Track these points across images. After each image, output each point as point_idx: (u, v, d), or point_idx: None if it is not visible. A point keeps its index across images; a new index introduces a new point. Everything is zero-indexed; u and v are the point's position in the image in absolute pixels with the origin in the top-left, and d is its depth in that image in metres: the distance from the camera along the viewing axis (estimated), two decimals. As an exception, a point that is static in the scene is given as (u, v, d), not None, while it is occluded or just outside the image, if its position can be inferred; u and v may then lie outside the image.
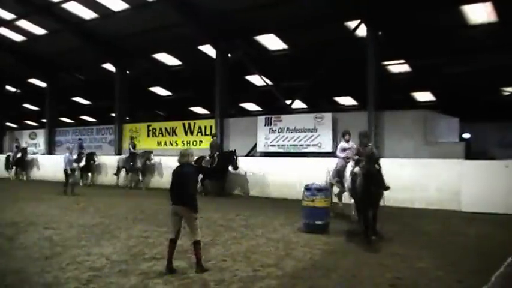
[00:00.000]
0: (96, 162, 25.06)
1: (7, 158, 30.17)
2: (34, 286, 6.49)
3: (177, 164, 7.58)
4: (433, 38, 19.68)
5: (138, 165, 22.69)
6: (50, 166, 27.51)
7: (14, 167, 29.45)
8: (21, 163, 29.11)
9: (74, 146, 23.69)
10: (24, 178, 28.98)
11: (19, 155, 29.19)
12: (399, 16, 18.95)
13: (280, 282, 6.79)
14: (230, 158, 19.31)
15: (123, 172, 23.83)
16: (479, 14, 17.69)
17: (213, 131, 22.74)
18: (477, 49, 20.06)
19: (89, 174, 25.16)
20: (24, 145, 31.34)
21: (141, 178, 22.73)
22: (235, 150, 19.76)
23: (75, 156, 22.27)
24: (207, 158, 19.81)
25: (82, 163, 24.12)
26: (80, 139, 27.59)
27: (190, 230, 7.39)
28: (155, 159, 22.99)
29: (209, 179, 19.84)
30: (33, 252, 8.34)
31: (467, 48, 20.19)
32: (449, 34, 19.53)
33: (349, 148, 12.98)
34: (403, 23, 19.41)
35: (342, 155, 13.17)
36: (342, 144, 13.49)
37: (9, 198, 17.36)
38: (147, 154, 22.75)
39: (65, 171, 19.57)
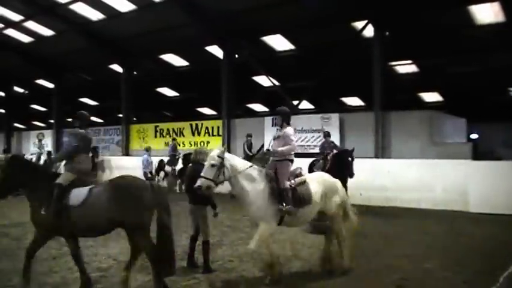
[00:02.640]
0: None
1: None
2: (42, 286, 6.54)
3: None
4: (440, 38, 19.61)
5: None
6: (128, 169, 24.37)
7: None
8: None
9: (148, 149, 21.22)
10: None
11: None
12: (406, 16, 18.89)
13: (287, 283, 6.80)
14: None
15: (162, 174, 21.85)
16: (487, 14, 17.61)
17: (220, 132, 22.75)
18: (484, 49, 19.98)
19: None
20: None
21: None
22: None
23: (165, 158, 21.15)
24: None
25: (178, 166, 20.56)
26: (174, 139, 23.29)
27: (202, 229, 7.64)
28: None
29: None
30: (41, 253, 8.35)
31: (475, 49, 20.10)
32: (456, 34, 19.46)
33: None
34: (410, 23, 19.34)
35: None
36: None
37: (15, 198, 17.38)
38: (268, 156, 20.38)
39: (145, 174, 18.61)
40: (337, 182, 7.79)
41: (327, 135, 16.52)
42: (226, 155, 6.90)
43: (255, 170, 7.06)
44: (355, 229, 7.91)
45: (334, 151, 14.95)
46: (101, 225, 6.09)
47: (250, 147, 19.13)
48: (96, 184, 6.40)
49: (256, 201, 6.80)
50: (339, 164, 13.66)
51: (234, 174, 6.84)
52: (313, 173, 8.13)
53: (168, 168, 20.68)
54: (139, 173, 18.21)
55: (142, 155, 21.18)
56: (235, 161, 7.04)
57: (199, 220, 7.65)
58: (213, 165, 6.71)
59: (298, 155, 19.64)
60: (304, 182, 7.18)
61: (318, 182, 7.37)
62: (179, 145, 23.59)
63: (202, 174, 6.71)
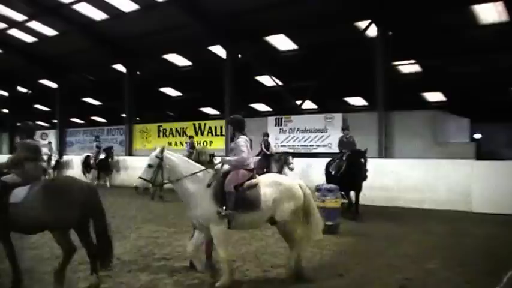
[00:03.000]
0: None
1: (85, 159, 25.09)
2: (45, 286, 6.54)
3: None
4: (443, 38, 19.58)
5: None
6: (130, 169, 24.22)
7: (96, 171, 24.28)
8: (105, 166, 24.13)
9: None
10: (108, 184, 23.76)
11: (102, 155, 24.21)
12: (409, 16, 18.87)
13: (290, 283, 6.80)
14: None
15: None
16: (490, 14, 17.57)
17: (223, 132, 22.78)
18: (488, 49, 19.92)
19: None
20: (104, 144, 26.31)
21: None
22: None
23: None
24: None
25: None
26: (191, 137, 21.51)
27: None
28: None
29: None
30: (44, 252, 8.39)
31: (478, 48, 20.06)
32: (459, 34, 19.43)
33: None
34: (413, 23, 19.33)
35: None
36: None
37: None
38: (285, 156, 18.06)
39: None
40: (294, 187, 6.96)
41: (345, 128, 15.18)
42: (167, 155, 6.72)
43: (201, 172, 6.78)
44: (315, 239, 7.34)
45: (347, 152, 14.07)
46: (31, 223, 6.21)
47: (267, 146, 18.50)
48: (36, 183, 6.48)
49: (202, 203, 6.57)
50: (352, 165, 13.16)
51: (176, 176, 6.66)
52: (268, 175, 7.62)
53: None
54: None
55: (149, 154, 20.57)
56: (177, 161, 6.79)
57: None
58: (150, 166, 6.61)
59: (301, 155, 19.71)
60: (254, 186, 6.78)
61: (270, 186, 6.82)
62: (182, 145, 23.63)
63: (140, 175, 6.64)
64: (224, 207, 6.47)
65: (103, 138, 28.92)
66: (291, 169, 17.29)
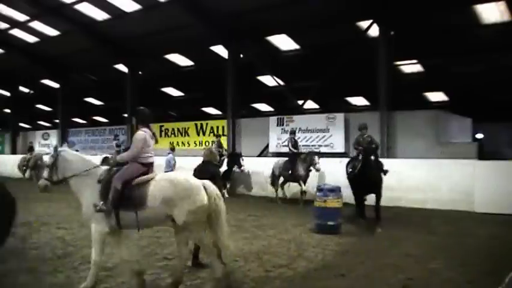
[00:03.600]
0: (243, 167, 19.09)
1: (104, 160, 24.75)
2: (47, 286, 6.54)
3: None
4: (445, 38, 19.57)
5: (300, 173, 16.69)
6: None
7: None
8: None
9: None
10: None
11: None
12: (412, 16, 18.85)
13: (292, 283, 6.80)
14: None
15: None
16: (492, 13, 17.55)
17: (225, 131, 22.79)
18: (490, 49, 19.92)
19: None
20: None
21: (304, 187, 16.49)
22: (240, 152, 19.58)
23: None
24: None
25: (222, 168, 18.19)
26: (218, 136, 20.90)
27: None
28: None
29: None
30: (46, 252, 8.40)
31: (480, 48, 20.05)
32: (462, 34, 19.42)
33: None
34: (415, 22, 19.31)
35: None
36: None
37: (21, 199, 17.43)
38: (310, 156, 16.82)
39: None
40: (194, 187, 6.30)
41: (362, 127, 13.34)
42: (62, 153, 6.63)
43: (95, 169, 6.59)
44: (223, 248, 6.64)
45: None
46: None
47: (295, 145, 17.61)
48: None
49: (87, 200, 6.35)
50: (365, 165, 11.93)
51: (70, 173, 6.51)
52: (167, 174, 7.35)
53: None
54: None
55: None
56: (71, 159, 6.62)
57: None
58: (47, 165, 6.56)
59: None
60: (145, 183, 6.33)
61: (164, 184, 6.26)
62: (184, 145, 23.64)
63: (42, 174, 6.62)
64: (102, 202, 6.20)
65: (105, 138, 29.02)
66: (317, 170, 16.32)
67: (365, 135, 13.19)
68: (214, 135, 22.79)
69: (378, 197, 11.97)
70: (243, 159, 18.60)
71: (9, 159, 31.52)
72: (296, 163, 16.76)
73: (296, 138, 18.12)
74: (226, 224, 6.67)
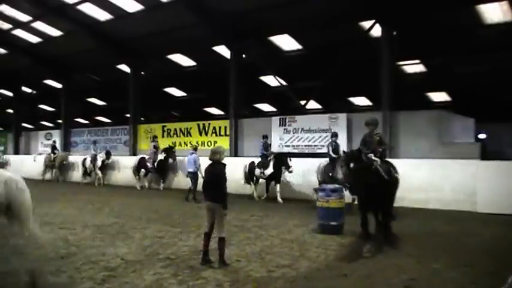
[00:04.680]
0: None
1: (140, 161, 23.85)
2: (49, 286, 6.55)
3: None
4: (448, 38, 19.56)
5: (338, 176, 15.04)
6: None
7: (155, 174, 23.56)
8: (164, 168, 23.13)
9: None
10: (161, 187, 22.93)
11: (161, 156, 23.29)
12: (414, 16, 18.84)
13: (295, 283, 6.79)
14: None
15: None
16: (495, 13, 17.55)
17: (228, 132, 22.80)
18: (493, 48, 19.90)
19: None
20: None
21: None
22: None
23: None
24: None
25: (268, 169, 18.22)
26: (265, 136, 19.63)
27: (218, 226, 7.73)
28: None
29: None
30: (49, 252, 8.40)
31: (483, 48, 20.03)
32: (464, 33, 19.41)
33: None
34: (418, 22, 19.29)
35: None
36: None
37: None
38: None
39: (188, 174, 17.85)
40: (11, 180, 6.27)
41: (370, 123, 10.96)
42: None
43: None
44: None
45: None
46: None
47: (336, 149, 16.20)
48: None
49: None
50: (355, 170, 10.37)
51: None
52: None
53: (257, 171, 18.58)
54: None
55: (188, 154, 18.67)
56: None
57: (216, 217, 7.72)
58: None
59: (305, 155, 19.64)
60: None
61: None
62: (186, 145, 23.61)
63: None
64: None
65: (107, 138, 29.05)
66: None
67: (374, 133, 10.86)
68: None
69: (385, 212, 10.18)
70: (290, 160, 17.52)
71: (27, 159, 31.88)
72: (335, 166, 15.52)
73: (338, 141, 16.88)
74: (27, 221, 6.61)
